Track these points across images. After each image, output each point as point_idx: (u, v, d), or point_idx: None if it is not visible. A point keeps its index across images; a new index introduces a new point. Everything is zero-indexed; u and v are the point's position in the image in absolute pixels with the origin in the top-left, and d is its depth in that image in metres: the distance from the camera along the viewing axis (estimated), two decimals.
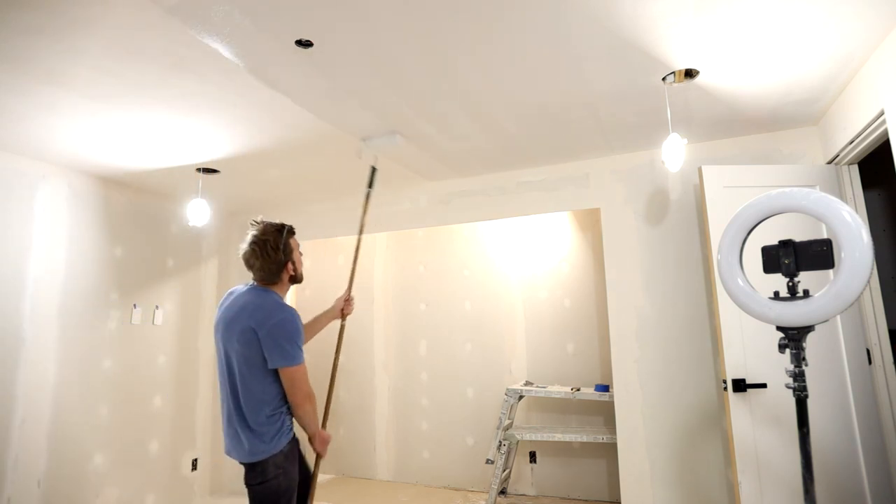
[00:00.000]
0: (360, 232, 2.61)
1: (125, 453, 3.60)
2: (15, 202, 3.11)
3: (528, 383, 4.02)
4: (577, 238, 4.22)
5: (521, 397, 3.90)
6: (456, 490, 4.25)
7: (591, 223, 4.16)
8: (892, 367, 2.60)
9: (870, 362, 2.64)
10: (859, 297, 1.73)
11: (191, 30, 1.88)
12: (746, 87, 2.50)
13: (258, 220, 2.20)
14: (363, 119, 2.76)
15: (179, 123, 2.73)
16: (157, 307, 3.93)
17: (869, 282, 1.58)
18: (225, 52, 2.04)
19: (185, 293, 4.19)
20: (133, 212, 3.82)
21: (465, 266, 4.55)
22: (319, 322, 2.43)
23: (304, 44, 2.01)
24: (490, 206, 3.79)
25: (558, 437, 3.62)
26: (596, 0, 1.80)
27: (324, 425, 2.28)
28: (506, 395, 3.80)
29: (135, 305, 3.76)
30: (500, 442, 3.70)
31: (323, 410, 2.35)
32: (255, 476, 1.96)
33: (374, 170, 2.64)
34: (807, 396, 1.68)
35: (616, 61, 2.23)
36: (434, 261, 4.66)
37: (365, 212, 2.63)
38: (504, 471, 3.80)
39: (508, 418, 3.78)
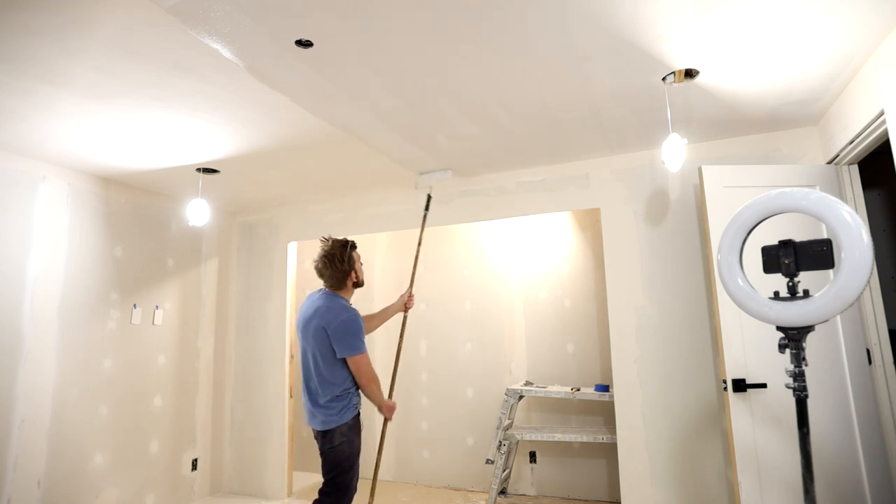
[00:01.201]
0: (419, 244, 3.20)
1: (125, 453, 3.60)
2: (15, 202, 3.11)
3: (528, 383, 4.02)
4: (577, 238, 4.22)
5: (521, 397, 3.90)
6: (456, 490, 4.25)
7: (591, 223, 4.16)
8: (892, 367, 2.60)
9: (870, 362, 2.64)
10: (859, 297, 1.73)
11: (190, 30, 1.88)
12: (746, 87, 2.50)
13: (327, 237, 2.64)
14: (363, 119, 2.76)
15: (179, 123, 2.73)
16: (157, 307, 3.93)
17: (869, 282, 1.58)
18: (225, 51, 2.04)
19: (185, 293, 4.19)
20: (133, 212, 3.82)
21: (465, 266, 4.55)
22: (387, 313, 2.96)
23: (304, 44, 2.01)
24: (490, 206, 3.79)
25: (558, 437, 3.62)
26: (596, 0, 1.80)
27: (390, 395, 2.82)
28: (506, 395, 3.80)
29: (135, 305, 3.76)
30: (500, 442, 3.70)
31: (390, 385, 2.97)
32: (326, 442, 2.46)
33: (429, 197, 3.30)
34: (807, 396, 1.68)
35: (616, 61, 2.23)
36: (434, 261, 4.66)
37: (422, 229, 3.26)
38: (504, 471, 3.80)
39: (508, 418, 3.78)
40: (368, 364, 2.49)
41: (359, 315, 2.54)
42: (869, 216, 2.94)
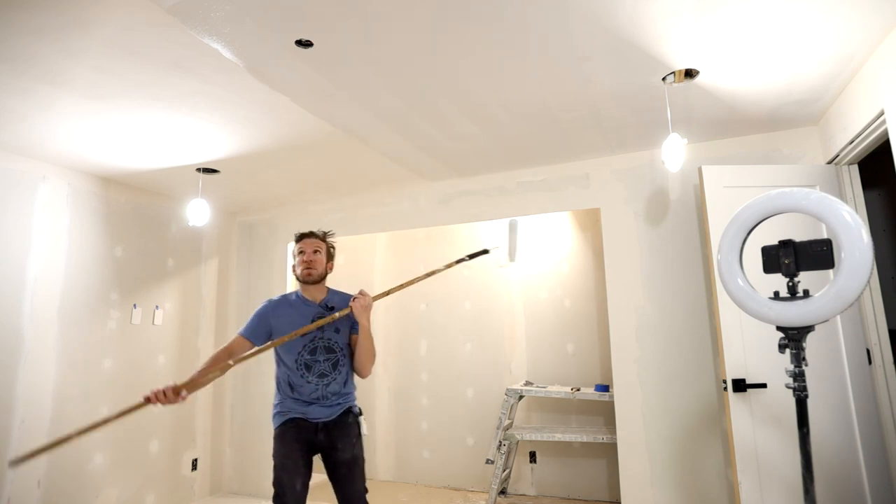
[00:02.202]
0: (421, 278, 2.41)
1: (125, 453, 3.60)
2: (15, 202, 3.10)
3: (528, 383, 4.02)
4: (577, 238, 4.22)
5: (521, 397, 3.90)
6: (456, 490, 4.25)
7: (591, 223, 4.16)
8: (892, 367, 2.60)
9: (870, 362, 2.64)
10: (859, 297, 1.73)
11: (191, 30, 1.88)
12: (746, 87, 2.50)
13: (319, 232, 2.51)
14: (363, 119, 2.76)
15: (179, 123, 2.73)
16: (157, 307, 3.93)
17: (869, 282, 1.58)
18: (225, 51, 2.04)
19: (185, 293, 4.19)
20: (133, 212, 3.82)
21: (465, 266, 4.55)
22: (362, 333, 2.24)
23: (304, 44, 2.01)
24: (490, 206, 3.79)
25: (558, 437, 3.62)
26: (596, 0, 1.80)
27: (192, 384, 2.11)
28: (506, 394, 3.80)
29: (135, 305, 3.76)
30: (500, 442, 3.70)
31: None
32: None
33: (484, 252, 2.50)
34: (807, 396, 1.68)
35: (616, 61, 2.23)
36: (434, 261, 4.65)
37: (441, 270, 2.46)
38: (504, 471, 3.80)
39: (508, 418, 3.78)
40: (225, 349, 2.25)
41: (271, 304, 2.30)
42: (869, 216, 2.94)
